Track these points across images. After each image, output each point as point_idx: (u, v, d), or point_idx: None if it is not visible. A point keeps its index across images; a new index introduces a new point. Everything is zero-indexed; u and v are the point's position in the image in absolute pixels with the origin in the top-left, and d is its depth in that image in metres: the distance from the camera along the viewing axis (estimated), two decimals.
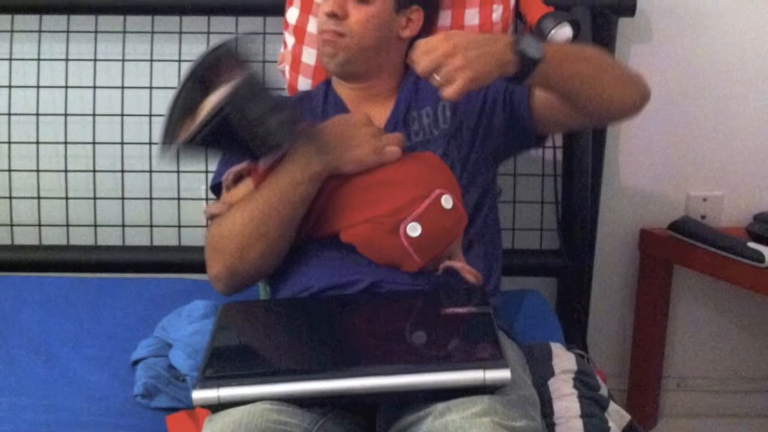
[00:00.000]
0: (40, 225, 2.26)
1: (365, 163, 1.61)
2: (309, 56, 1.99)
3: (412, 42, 1.68)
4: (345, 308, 1.57)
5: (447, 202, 1.58)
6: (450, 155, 1.73)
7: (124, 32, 2.18)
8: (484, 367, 1.29)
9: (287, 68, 2.03)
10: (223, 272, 1.64)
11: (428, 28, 1.85)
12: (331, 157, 1.59)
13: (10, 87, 2.20)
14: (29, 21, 2.18)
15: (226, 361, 1.41)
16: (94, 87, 2.20)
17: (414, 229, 1.55)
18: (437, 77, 1.42)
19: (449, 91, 1.41)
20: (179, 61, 2.16)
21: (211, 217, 1.68)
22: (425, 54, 1.42)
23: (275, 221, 1.59)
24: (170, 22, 2.16)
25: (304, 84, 2.01)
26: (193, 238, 2.21)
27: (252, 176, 1.64)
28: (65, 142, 2.22)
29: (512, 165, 2.19)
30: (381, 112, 1.77)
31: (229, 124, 1.43)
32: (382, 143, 1.62)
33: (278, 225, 1.59)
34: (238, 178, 1.67)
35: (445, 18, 1.96)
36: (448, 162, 1.70)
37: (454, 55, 1.40)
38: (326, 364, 1.38)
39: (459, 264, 1.60)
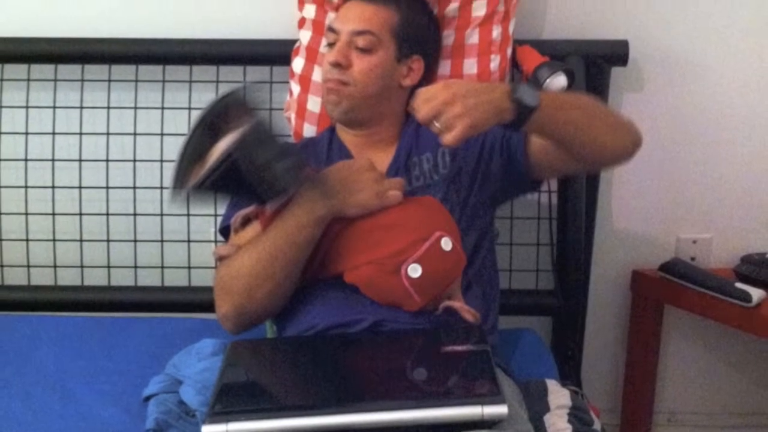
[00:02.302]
0: (55, 266, 2.27)
1: (368, 207, 1.63)
2: (314, 104, 2.01)
3: (413, 90, 1.73)
4: (349, 346, 1.59)
5: (446, 244, 1.60)
6: (449, 199, 1.75)
7: (137, 81, 2.20)
8: (482, 403, 1.31)
9: (293, 115, 2.06)
10: (231, 312, 1.65)
11: (428, 76, 1.87)
12: (335, 201, 1.61)
13: (26, 134, 2.22)
14: (45, 70, 2.19)
15: (235, 397, 1.42)
16: (108, 134, 2.22)
17: (415, 271, 1.57)
18: (437, 124, 1.43)
19: (449, 138, 1.42)
20: (189, 108, 2.17)
21: (220, 259, 1.70)
22: (426, 102, 1.44)
23: (281, 262, 1.61)
24: (181, 71, 2.18)
25: (309, 131, 2.03)
26: (202, 278, 2.22)
27: (259, 219, 1.66)
28: (80, 187, 2.23)
29: (509, 208, 2.20)
30: (383, 158, 1.80)
31: (238, 169, 1.44)
32: (384, 188, 1.65)
33: (284, 266, 1.61)
34: (246, 222, 1.69)
35: (444, 67, 1.99)
36: (447, 206, 1.73)
37: (454, 103, 1.42)
38: (331, 399, 1.39)
39: (458, 304, 1.62)
